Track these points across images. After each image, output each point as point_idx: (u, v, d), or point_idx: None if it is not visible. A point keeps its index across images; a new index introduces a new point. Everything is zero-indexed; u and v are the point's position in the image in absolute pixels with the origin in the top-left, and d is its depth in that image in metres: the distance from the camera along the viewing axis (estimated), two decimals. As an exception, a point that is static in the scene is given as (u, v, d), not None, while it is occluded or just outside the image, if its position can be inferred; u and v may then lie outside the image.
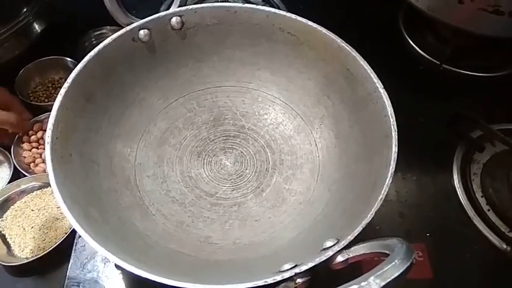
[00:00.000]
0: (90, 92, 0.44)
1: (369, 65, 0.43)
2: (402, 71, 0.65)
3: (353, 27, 0.63)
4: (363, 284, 0.25)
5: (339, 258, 0.33)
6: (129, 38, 0.46)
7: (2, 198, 0.53)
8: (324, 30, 0.46)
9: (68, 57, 0.65)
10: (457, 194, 0.53)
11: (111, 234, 0.36)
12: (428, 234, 0.50)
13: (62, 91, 0.41)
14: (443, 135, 0.58)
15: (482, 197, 0.53)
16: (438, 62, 0.63)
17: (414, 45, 0.67)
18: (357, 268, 0.35)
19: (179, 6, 0.48)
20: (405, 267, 0.26)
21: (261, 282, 0.31)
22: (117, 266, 0.44)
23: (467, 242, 0.50)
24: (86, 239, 0.33)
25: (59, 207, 0.52)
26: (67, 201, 0.35)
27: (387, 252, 0.30)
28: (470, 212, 0.52)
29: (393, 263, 0.26)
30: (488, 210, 0.52)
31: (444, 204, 0.53)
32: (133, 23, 0.46)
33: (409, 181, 0.55)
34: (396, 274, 0.26)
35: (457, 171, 0.55)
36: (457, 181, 0.54)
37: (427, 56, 0.65)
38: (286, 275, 0.32)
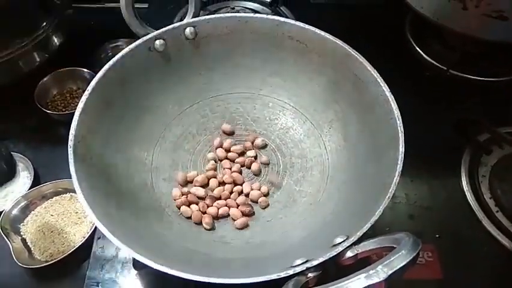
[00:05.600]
0: (109, 99, 0.46)
1: (376, 71, 0.45)
2: (409, 77, 0.66)
3: (359, 34, 0.64)
4: (371, 272, 0.27)
5: (349, 254, 0.34)
6: (145, 48, 0.48)
7: (23, 204, 0.55)
8: (332, 38, 0.48)
9: (85, 68, 0.67)
10: (466, 196, 0.54)
11: (130, 233, 0.38)
12: (437, 236, 0.51)
13: (84, 98, 0.43)
14: (450, 139, 0.59)
15: (490, 198, 0.54)
16: (445, 68, 0.64)
17: (420, 52, 0.68)
18: (367, 263, 0.36)
19: (193, 17, 0.51)
20: (411, 257, 0.27)
21: (273, 276, 0.33)
22: (134, 266, 0.46)
23: (477, 243, 0.51)
24: (108, 237, 0.34)
25: (77, 212, 0.55)
26: (89, 201, 0.37)
27: (395, 246, 0.31)
28: (479, 213, 0.52)
29: (400, 253, 0.27)
30: (497, 211, 0.52)
31: (453, 206, 0.54)
32: (149, 33, 0.48)
33: (418, 184, 0.56)
34: (403, 263, 0.27)
35: (465, 174, 0.56)
36: (465, 183, 0.55)
37: (434, 62, 0.66)
38: (298, 269, 0.33)
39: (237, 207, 0.48)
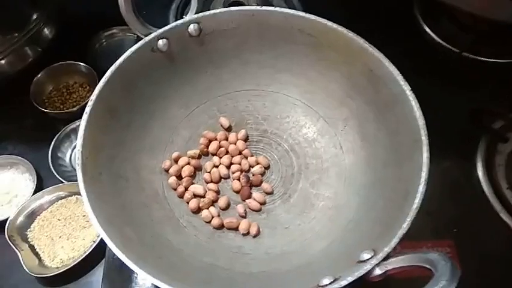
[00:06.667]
0: (113, 107, 0.44)
1: (388, 59, 0.43)
2: (419, 61, 0.63)
3: (368, 17, 0.61)
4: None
5: (377, 271, 0.33)
6: (148, 49, 0.45)
7: (28, 210, 0.54)
8: (345, 31, 0.45)
9: (79, 60, 0.65)
10: (483, 188, 0.53)
11: (148, 254, 0.37)
12: (455, 230, 0.50)
13: (87, 109, 0.41)
14: (465, 127, 0.57)
15: (507, 189, 0.52)
16: (458, 50, 0.62)
17: (431, 34, 0.65)
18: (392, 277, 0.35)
19: (196, 12, 0.48)
20: (453, 288, 0.26)
21: (302, 299, 0.32)
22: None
23: (495, 236, 0.50)
24: (126, 263, 0.33)
25: (84, 215, 0.54)
26: (103, 224, 0.35)
27: (429, 267, 0.30)
28: (497, 206, 0.51)
29: (441, 284, 0.26)
30: (515, 202, 0.52)
31: (470, 198, 0.53)
32: (151, 33, 0.45)
33: (433, 177, 0.54)
34: (444, 296, 0.26)
35: (481, 163, 0.54)
36: (482, 174, 0.54)
37: (446, 44, 0.63)
38: (327, 291, 0.32)
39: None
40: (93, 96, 0.41)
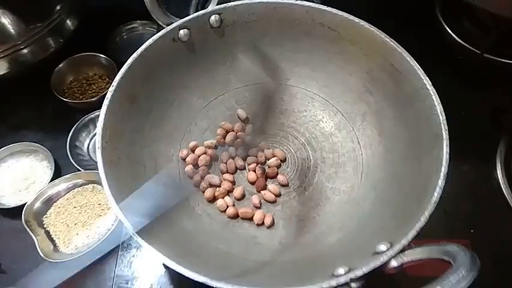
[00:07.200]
0: (133, 95, 0.44)
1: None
2: (440, 61, 0.62)
3: (388, 15, 0.61)
4: (431, 294, 0.25)
5: (394, 263, 0.32)
6: (169, 38, 0.46)
7: (45, 196, 0.54)
8: (367, 25, 0.45)
9: (100, 52, 0.66)
10: (501, 189, 0.52)
11: (164, 238, 0.37)
12: (472, 231, 0.49)
13: (109, 95, 0.41)
14: (485, 128, 0.57)
15: (526, 190, 0.52)
16: (479, 51, 0.61)
17: (452, 34, 0.64)
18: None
19: (218, 4, 0.48)
20: (472, 278, 0.26)
21: (316, 287, 0.31)
22: (164, 265, 0.46)
23: (513, 238, 0.49)
24: (140, 242, 0.33)
25: (100, 204, 0.54)
26: (120, 204, 0.35)
27: (447, 259, 0.29)
28: (516, 207, 0.51)
29: (460, 273, 0.26)
30: (534, 204, 0.51)
31: (489, 199, 0.52)
32: (173, 23, 0.46)
33: (452, 176, 0.53)
34: (463, 285, 0.25)
35: (500, 165, 0.54)
36: (501, 175, 0.53)
37: (467, 45, 0.63)
38: (342, 280, 0.32)
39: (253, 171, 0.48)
40: (114, 82, 0.42)
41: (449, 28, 0.65)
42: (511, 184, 0.52)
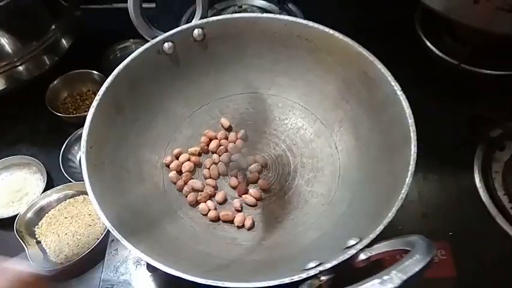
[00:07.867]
0: (119, 103, 0.46)
1: (387, 68, 0.44)
2: (419, 73, 0.65)
3: (369, 29, 0.63)
4: (385, 278, 0.26)
5: (362, 256, 0.34)
6: (154, 51, 0.48)
7: (37, 207, 0.56)
8: (341, 36, 0.47)
9: (94, 70, 0.68)
10: (479, 193, 0.53)
11: (144, 237, 0.38)
12: (450, 234, 0.50)
13: (95, 103, 0.43)
14: (463, 135, 0.58)
15: (504, 195, 0.53)
16: (457, 62, 0.63)
17: (431, 46, 0.67)
18: (379, 265, 0.36)
19: (200, 18, 0.50)
20: (426, 262, 0.27)
21: (287, 280, 0.33)
22: (148, 268, 0.47)
23: (491, 240, 0.50)
24: (121, 241, 0.35)
25: (90, 214, 0.55)
26: (102, 206, 0.37)
27: (409, 249, 0.30)
28: (493, 210, 0.52)
29: (414, 257, 0.27)
30: (511, 208, 0.52)
31: (467, 203, 0.53)
32: (157, 36, 0.48)
33: (431, 181, 0.55)
34: (418, 268, 0.27)
35: (478, 170, 0.55)
36: (479, 180, 0.54)
37: (445, 57, 0.65)
38: (311, 272, 0.33)
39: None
40: (100, 91, 0.44)
41: (428, 41, 0.68)
42: (488, 188, 0.54)
